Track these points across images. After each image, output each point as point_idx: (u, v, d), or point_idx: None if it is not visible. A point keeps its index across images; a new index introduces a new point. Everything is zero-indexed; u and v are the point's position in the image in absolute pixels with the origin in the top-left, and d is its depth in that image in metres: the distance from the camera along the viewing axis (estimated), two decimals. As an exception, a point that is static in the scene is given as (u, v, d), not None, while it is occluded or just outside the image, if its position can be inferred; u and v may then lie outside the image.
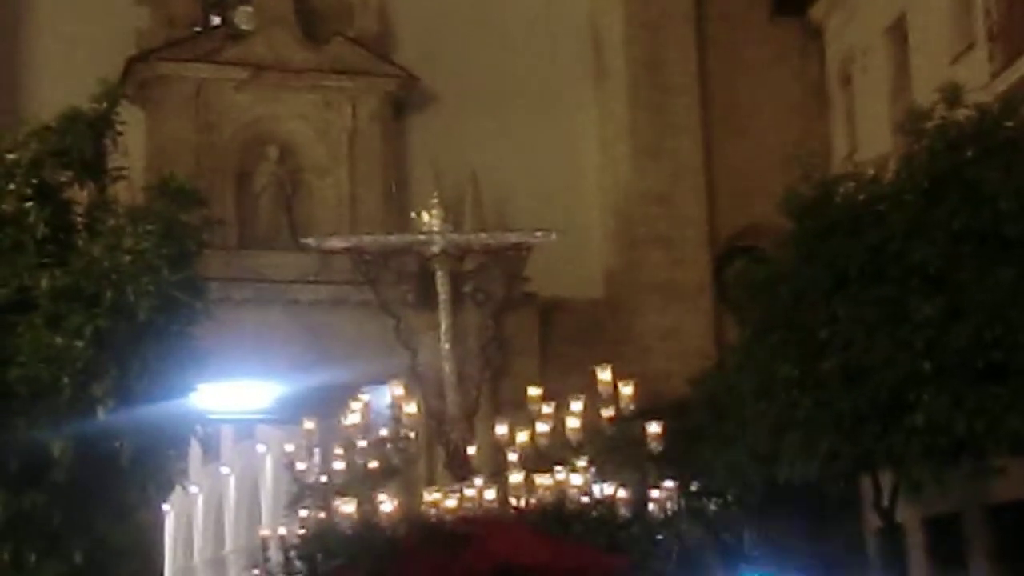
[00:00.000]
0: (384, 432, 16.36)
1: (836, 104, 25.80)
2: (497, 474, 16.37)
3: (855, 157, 22.83)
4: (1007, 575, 19.60)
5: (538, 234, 17.90)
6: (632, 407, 16.21)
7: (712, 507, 20.39)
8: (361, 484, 15.75)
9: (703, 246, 24.84)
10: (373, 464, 15.96)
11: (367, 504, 15.44)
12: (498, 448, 16.71)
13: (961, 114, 15.63)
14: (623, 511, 15.78)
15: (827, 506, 20.27)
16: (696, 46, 25.43)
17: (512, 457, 16.15)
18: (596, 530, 15.49)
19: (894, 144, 19.00)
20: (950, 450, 15.11)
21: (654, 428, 16.12)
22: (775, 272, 16.76)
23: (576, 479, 15.74)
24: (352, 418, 16.26)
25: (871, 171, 16.47)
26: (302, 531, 16.60)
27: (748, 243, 23.88)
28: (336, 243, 18.38)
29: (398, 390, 16.25)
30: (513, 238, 17.87)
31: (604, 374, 16.30)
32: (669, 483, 16.17)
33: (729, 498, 20.08)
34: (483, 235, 18.30)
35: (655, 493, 16.06)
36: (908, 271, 14.99)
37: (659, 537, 15.73)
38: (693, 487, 19.39)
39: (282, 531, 17.42)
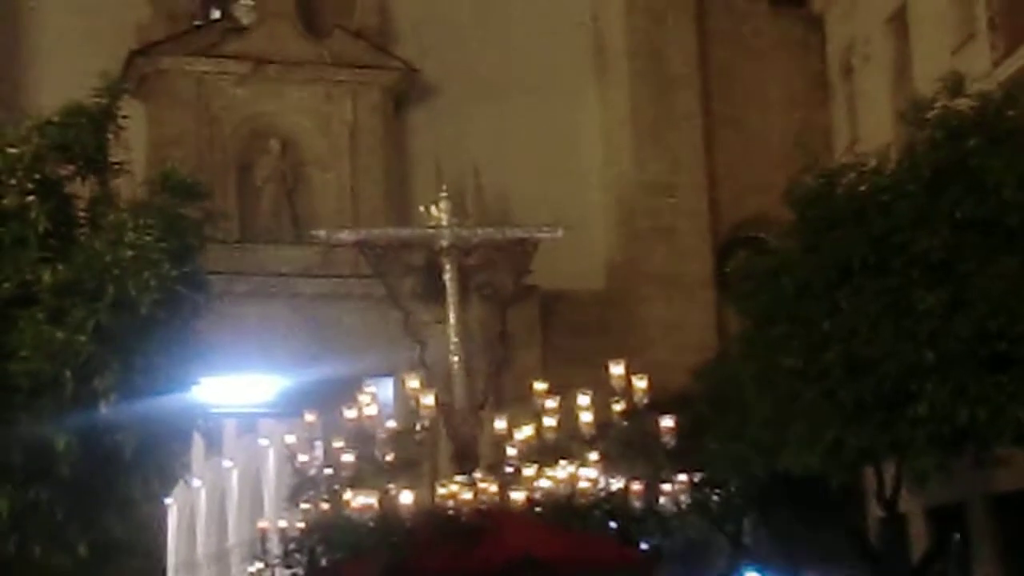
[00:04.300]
0: (390, 424, 16.30)
1: (838, 94, 25.75)
2: (498, 466, 16.34)
3: (857, 147, 22.79)
4: (1010, 565, 19.59)
5: (545, 230, 17.91)
6: (646, 400, 16.18)
7: (715, 499, 20.37)
8: (375, 476, 15.70)
9: (705, 237, 24.80)
10: (389, 456, 15.88)
11: (381, 496, 15.41)
12: (500, 442, 16.68)
13: (963, 103, 15.56)
14: (636, 504, 15.79)
15: (829, 497, 20.22)
16: (697, 37, 25.40)
17: (511, 451, 16.11)
18: (608, 523, 15.48)
19: (896, 134, 18.96)
20: (953, 440, 15.06)
21: (667, 422, 16.09)
22: (778, 263, 16.71)
23: (587, 472, 15.71)
24: (367, 410, 16.15)
25: (873, 161, 16.41)
26: (302, 524, 16.59)
27: (750, 234, 23.88)
28: (346, 236, 18.33)
29: (414, 382, 16.13)
30: (520, 233, 17.86)
31: (617, 368, 16.24)
32: (683, 476, 16.15)
33: (732, 489, 20.05)
34: (490, 230, 18.25)
35: (667, 487, 16.05)
36: (911, 261, 14.94)
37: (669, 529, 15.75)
38: (696, 479, 19.37)
39: (282, 523, 17.40)
